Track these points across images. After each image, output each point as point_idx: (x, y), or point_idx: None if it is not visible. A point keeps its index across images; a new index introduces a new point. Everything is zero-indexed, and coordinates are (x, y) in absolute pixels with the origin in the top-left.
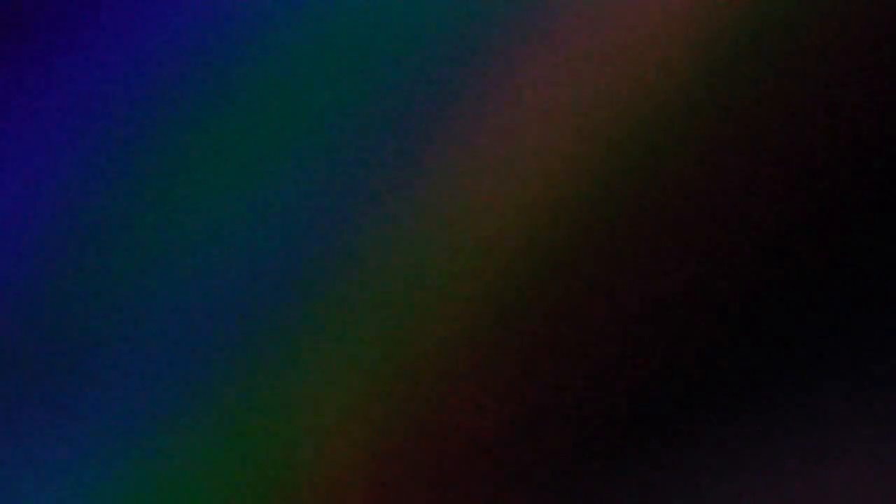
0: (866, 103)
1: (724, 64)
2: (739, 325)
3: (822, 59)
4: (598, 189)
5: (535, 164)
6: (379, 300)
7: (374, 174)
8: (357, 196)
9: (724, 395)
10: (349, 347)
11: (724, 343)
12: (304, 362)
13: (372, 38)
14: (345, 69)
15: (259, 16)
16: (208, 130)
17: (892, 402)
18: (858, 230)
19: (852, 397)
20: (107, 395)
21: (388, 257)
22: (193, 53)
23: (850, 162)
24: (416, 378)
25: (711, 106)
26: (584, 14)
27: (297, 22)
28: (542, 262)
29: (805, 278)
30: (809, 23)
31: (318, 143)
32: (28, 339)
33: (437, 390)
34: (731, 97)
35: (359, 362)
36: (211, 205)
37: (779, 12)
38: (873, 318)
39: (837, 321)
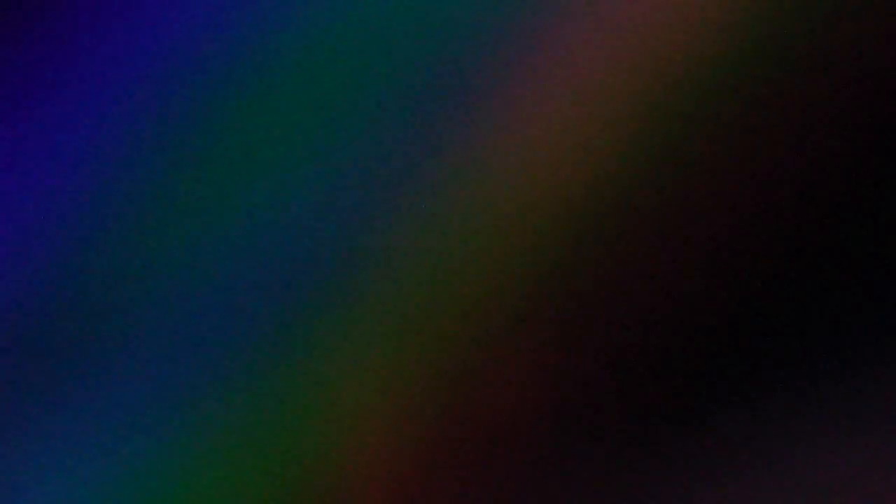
0: (867, 103)
1: (727, 65)
2: (746, 325)
3: (825, 59)
4: (607, 189)
5: (544, 163)
6: (393, 298)
7: (388, 172)
8: (370, 194)
9: (739, 393)
10: (363, 346)
11: (732, 341)
12: (319, 359)
13: (380, 38)
14: (352, 69)
15: (268, 16)
16: (218, 129)
17: (892, 402)
18: (859, 230)
19: (852, 398)
20: (114, 396)
21: (401, 255)
22: (198, 54)
23: (851, 162)
24: (430, 375)
25: (715, 106)
26: (590, 16)
27: (304, 22)
28: (554, 260)
29: (806, 278)
30: (812, 24)
31: (329, 143)
32: (38, 340)
33: (451, 387)
34: (734, 98)
35: (373, 360)
36: (229, 202)
37: (782, 13)
38: (873, 319)
39: (838, 321)
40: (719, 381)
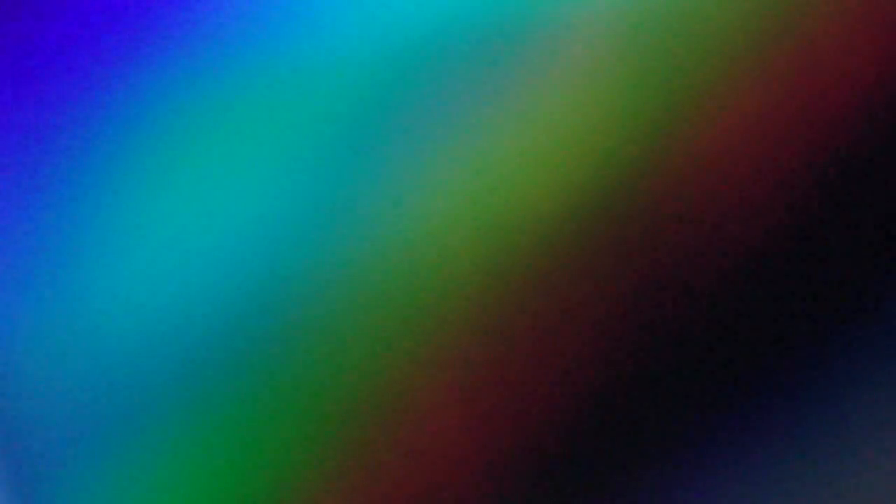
0: (865, 104)
1: (720, 62)
2: (745, 324)
3: (817, 56)
4: (597, 189)
5: (531, 164)
6: (374, 303)
7: (367, 174)
8: (351, 196)
9: (730, 396)
10: (342, 352)
11: (729, 342)
12: (298, 364)
13: (372, 38)
14: (341, 68)
15: (262, 15)
16: (206, 127)
17: (892, 403)
18: (859, 230)
19: (853, 399)
20: (98, 394)
21: (383, 259)
22: (191, 52)
23: (850, 161)
24: (413, 379)
25: (711, 103)
26: (584, 20)
27: (298, 21)
28: (541, 262)
29: (805, 279)
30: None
31: (315, 142)
32: (23, 337)
33: (435, 393)
34: (730, 95)
35: (352, 366)
36: (208, 204)
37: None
38: (874, 319)
39: (838, 322)
40: (717, 382)
